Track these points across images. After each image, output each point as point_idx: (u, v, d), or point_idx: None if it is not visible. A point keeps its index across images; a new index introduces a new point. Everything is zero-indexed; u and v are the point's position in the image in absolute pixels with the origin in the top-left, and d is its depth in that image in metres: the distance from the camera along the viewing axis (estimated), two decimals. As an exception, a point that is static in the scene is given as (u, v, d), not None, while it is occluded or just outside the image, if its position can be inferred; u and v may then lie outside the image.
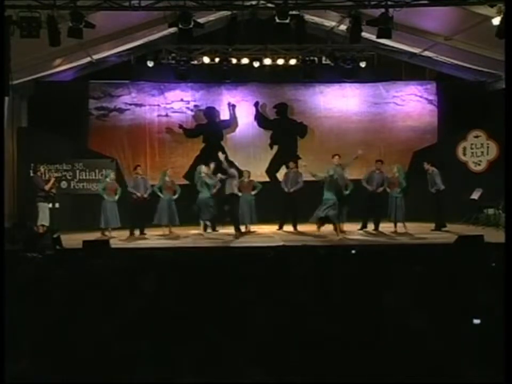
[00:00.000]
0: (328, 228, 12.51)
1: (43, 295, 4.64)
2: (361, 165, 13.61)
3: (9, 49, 9.42)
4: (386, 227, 12.28)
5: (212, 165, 12.67)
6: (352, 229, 12.06)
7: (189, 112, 14.96)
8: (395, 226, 12.08)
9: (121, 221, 12.07)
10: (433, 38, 12.58)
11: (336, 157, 11.74)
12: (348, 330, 3.56)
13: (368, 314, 3.89)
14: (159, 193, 12.27)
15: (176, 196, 12.31)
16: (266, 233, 12.36)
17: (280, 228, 12.69)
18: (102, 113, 14.65)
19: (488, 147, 14.21)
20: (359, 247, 9.16)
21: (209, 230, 12.73)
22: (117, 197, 12.16)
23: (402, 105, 15.27)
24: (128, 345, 3.37)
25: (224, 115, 15.05)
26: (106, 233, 11.99)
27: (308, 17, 12.21)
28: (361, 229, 12.34)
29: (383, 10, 10.26)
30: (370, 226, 12.36)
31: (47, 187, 11.14)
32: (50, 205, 11.45)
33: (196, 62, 14.00)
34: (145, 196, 12.40)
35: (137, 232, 12.28)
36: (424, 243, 10.60)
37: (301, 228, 12.48)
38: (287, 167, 13.32)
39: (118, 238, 11.68)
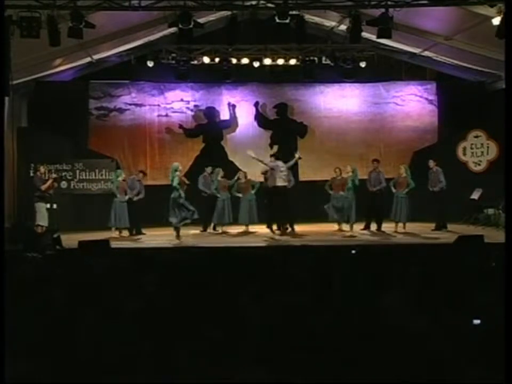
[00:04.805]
0: (328, 228, 12.55)
1: (43, 295, 4.64)
2: (361, 165, 13.64)
3: (9, 49, 9.41)
4: (386, 227, 12.29)
5: (209, 169, 12.76)
6: (355, 229, 12.03)
7: (189, 112, 14.96)
8: (404, 226, 12.14)
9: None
10: (433, 38, 12.57)
11: None
12: (348, 330, 3.56)
13: (368, 314, 3.89)
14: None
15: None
16: (266, 233, 12.35)
17: (278, 228, 12.67)
18: (102, 113, 14.65)
19: (488, 147, 14.21)
20: (359, 247, 9.15)
21: (209, 230, 12.77)
22: (127, 197, 12.19)
23: (402, 105, 15.27)
24: (128, 345, 3.37)
25: (224, 115, 15.05)
26: (115, 233, 11.99)
27: (308, 17, 12.19)
28: (364, 229, 12.35)
29: (383, 10, 10.25)
30: (373, 226, 12.37)
31: (43, 187, 11.11)
32: (48, 205, 11.45)
33: (196, 62, 13.98)
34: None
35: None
36: (424, 243, 10.60)
37: (299, 228, 12.47)
38: None
39: (121, 238, 11.73)
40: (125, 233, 12.29)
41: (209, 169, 12.91)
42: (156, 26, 12.35)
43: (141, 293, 4.63)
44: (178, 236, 11.24)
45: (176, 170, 11.24)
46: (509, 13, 8.20)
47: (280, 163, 12.00)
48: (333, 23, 13.43)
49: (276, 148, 15.01)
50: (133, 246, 10.81)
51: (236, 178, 12.73)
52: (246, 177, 12.78)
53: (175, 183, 11.15)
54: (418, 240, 10.95)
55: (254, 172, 13.40)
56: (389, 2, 10.15)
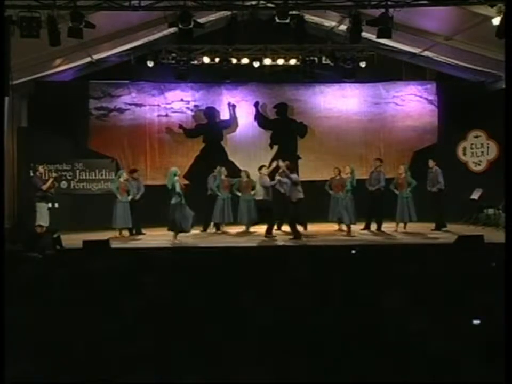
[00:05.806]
0: (328, 228, 12.55)
1: (43, 295, 4.64)
2: (361, 165, 13.65)
3: (9, 49, 9.41)
4: (386, 227, 12.28)
5: (218, 169, 12.78)
6: (355, 229, 12.02)
7: (189, 112, 14.96)
8: (404, 226, 12.13)
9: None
10: (433, 38, 12.57)
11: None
12: (348, 330, 3.56)
13: (368, 314, 3.89)
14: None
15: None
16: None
17: (279, 228, 12.66)
18: (102, 113, 14.65)
19: (488, 147, 14.21)
20: (359, 247, 9.15)
21: (211, 230, 12.75)
22: (129, 198, 12.14)
23: (402, 105, 15.27)
24: (128, 345, 3.37)
25: (224, 115, 15.05)
26: (115, 233, 11.97)
27: (308, 17, 12.19)
28: (364, 229, 12.33)
29: (383, 10, 10.25)
30: (373, 226, 12.36)
31: (44, 187, 11.08)
32: (50, 205, 11.44)
33: (196, 62, 13.97)
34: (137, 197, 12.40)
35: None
36: (424, 243, 10.60)
37: (299, 228, 12.43)
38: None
39: (120, 238, 11.71)
40: (125, 233, 12.29)
41: (217, 169, 12.91)
42: (156, 26, 12.34)
43: (140, 292, 4.63)
44: (175, 237, 11.12)
45: (175, 175, 10.95)
46: (509, 13, 8.20)
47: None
48: (333, 23, 13.43)
49: (275, 147, 15.03)
50: (133, 246, 10.80)
51: (241, 179, 12.70)
52: (248, 176, 12.76)
53: (177, 189, 10.81)
54: (418, 240, 10.95)
55: (254, 172, 13.38)
56: (389, 2, 10.15)
